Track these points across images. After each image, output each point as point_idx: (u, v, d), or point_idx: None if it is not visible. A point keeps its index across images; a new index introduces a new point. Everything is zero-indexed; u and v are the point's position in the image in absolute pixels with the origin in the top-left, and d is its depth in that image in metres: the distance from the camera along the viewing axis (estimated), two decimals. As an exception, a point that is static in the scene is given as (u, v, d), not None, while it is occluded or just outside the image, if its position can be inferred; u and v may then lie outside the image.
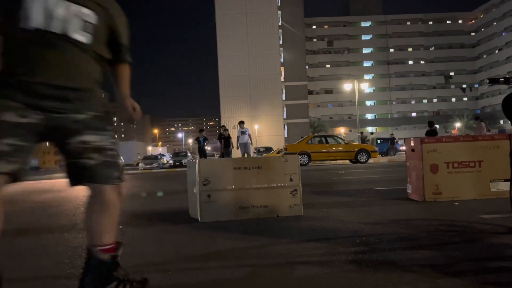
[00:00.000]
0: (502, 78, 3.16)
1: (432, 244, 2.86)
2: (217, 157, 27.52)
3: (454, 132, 59.13)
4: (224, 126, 18.46)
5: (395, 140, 30.39)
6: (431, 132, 15.09)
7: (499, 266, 2.32)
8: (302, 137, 23.21)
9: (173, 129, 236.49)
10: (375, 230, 3.38)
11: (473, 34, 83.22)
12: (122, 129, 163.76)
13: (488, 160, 4.75)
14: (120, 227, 4.07)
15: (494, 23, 77.91)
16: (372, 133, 32.55)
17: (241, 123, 15.89)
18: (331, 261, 2.51)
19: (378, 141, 32.57)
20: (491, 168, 4.71)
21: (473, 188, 4.74)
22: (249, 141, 15.61)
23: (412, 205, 4.62)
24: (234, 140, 16.26)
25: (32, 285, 2.27)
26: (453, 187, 4.74)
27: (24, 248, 3.33)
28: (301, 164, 18.36)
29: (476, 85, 79.39)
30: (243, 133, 15.58)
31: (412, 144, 5.02)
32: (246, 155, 15.53)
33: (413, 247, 2.79)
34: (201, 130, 17.77)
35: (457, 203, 4.53)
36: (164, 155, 45.70)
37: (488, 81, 3.32)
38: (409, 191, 5.10)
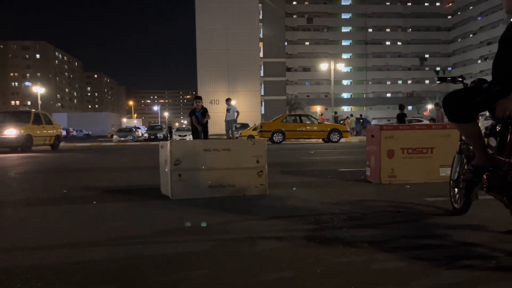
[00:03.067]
0: (450, 77, 3.50)
1: (377, 223, 3.24)
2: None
3: (426, 113, 60.67)
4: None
5: (360, 120, 31.35)
6: (401, 115, 16.06)
7: (427, 243, 2.70)
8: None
9: (148, 101, 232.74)
10: (330, 209, 3.74)
11: (449, 17, 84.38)
12: (96, 99, 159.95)
13: (440, 147, 5.17)
14: (94, 202, 4.30)
15: (471, 7, 79.13)
16: (351, 115, 33.29)
17: (228, 100, 16.16)
18: (285, 237, 2.84)
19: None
20: (442, 154, 5.13)
21: (424, 172, 5.18)
22: (234, 118, 15.93)
23: (368, 187, 5.03)
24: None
25: (15, 255, 2.50)
26: (407, 171, 5.16)
27: (2, 221, 3.53)
28: (276, 142, 18.76)
29: (449, 68, 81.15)
30: (227, 110, 15.87)
31: (372, 130, 5.39)
32: (230, 132, 15.90)
33: (359, 226, 3.16)
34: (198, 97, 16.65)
35: (408, 186, 4.95)
36: (139, 128, 45.33)
37: (437, 79, 3.66)
38: (367, 173, 5.51)
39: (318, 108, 68.63)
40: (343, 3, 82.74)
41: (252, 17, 52.42)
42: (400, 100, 78.21)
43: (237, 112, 16.10)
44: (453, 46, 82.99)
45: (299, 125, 19.75)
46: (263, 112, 55.67)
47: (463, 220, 3.22)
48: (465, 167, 3.33)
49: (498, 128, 2.81)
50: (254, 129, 25.36)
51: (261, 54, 56.59)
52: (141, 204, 4.15)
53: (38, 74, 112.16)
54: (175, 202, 4.18)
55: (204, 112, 10.44)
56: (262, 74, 56.76)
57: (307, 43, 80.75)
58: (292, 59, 76.67)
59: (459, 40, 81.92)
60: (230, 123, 15.89)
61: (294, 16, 79.74)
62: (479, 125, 3.03)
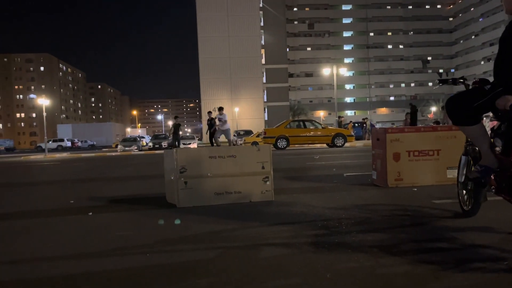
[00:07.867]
0: (451, 79, 3.48)
1: (384, 227, 3.21)
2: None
3: (430, 116, 60.45)
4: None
5: (364, 124, 31.21)
6: (413, 114, 16.68)
7: (436, 247, 2.67)
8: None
9: (152, 110, 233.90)
10: (337, 214, 3.71)
11: (450, 19, 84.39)
12: (100, 110, 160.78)
13: (446, 149, 5.14)
14: (101, 212, 4.30)
15: (472, 9, 79.11)
16: (366, 118, 33.30)
17: (220, 109, 16.21)
18: (292, 243, 2.82)
19: (356, 124, 33.24)
20: (448, 156, 5.10)
21: (431, 174, 5.14)
22: (229, 127, 16.05)
23: (375, 191, 4.99)
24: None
25: (21, 267, 2.50)
26: (413, 174, 5.13)
27: (8, 232, 3.53)
28: (280, 148, 18.75)
29: (452, 70, 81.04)
30: (219, 120, 15.97)
31: (377, 134, 5.37)
32: (228, 141, 16.04)
33: (367, 230, 3.13)
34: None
35: (415, 189, 4.92)
36: (143, 137, 45.51)
37: (438, 81, 3.64)
38: (374, 177, 5.47)
39: (321, 113, 68.62)
40: (343, 8, 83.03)
41: (253, 24, 52.76)
42: (403, 103, 78.14)
43: (225, 120, 16.17)
44: (456, 48, 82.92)
45: (303, 131, 19.73)
46: (266, 118, 55.76)
47: (472, 222, 3.19)
48: (472, 169, 3.30)
49: (503, 128, 2.79)
50: (258, 136, 25.37)
51: (263, 61, 56.82)
52: (148, 213, 4.15)
53: (43, 86, 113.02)
54: (182, 210, 4.18)
55: None
56: (264, 81, 56.93)
57: (308, 48, 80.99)
58: (294, 65, 76.90)
59: (461, 41, 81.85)
60: (228, 132, 16.11)
61: (295, 22, 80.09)
62: (484, 125, 3.00)
